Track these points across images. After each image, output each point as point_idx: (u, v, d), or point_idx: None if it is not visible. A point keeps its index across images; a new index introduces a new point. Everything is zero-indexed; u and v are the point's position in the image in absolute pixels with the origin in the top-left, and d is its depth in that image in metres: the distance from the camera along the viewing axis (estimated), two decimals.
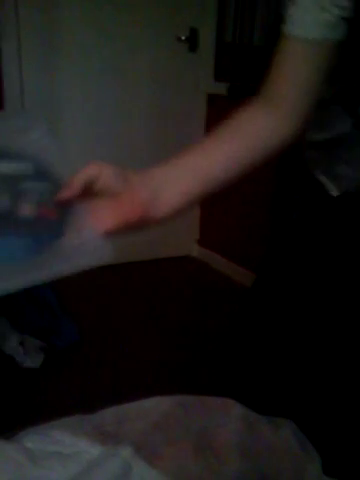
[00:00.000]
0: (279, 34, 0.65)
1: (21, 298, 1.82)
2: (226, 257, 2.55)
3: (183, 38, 2.39)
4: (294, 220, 0.93)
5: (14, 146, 0.57)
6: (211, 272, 2.58)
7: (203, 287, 2.37)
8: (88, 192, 0.56)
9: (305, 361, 0.95)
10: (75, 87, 2.27)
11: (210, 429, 0.90)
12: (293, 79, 0.66)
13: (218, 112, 2.51)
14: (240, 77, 2.34)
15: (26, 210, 0.54)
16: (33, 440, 0.84)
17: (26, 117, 0.63)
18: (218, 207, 2.59)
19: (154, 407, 0.95)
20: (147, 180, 0.61)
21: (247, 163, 0.67)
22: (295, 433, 0.90)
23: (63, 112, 2.28)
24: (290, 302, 0.94)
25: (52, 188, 0.56)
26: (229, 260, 2.52)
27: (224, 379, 1.48)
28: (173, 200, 0.62)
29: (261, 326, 1.00)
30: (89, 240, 0.56)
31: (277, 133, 0.67)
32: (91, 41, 2.24)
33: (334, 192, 0.85)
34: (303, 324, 0.93)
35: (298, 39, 0.63)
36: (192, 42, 2.42)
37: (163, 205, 0.61)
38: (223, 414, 0.97)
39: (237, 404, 0.95)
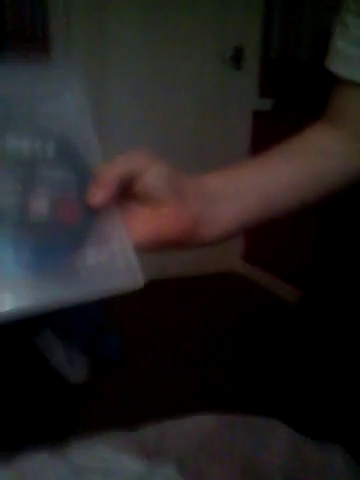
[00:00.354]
0: (326, 49, 0.60)
1: (69, 313, 1.86)
2: (272, 273, 2.51)
3: (228, 57, 2.42)
4: (341, 236, 0.90)
5: (37, 114, 0.40)
6: (256, 288, 2.54)
7: (248, 304, 2.34)
8: (123, 191, 0.42)
9: (358, 383, 0.91)
10: (121, 106, 2.33)
11: (255, 451, 0.87)
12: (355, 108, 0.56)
13: (263, 128, 2.50)
14: (285, 93, 2.32)
15: (39, 208, 0.39)
16: (78, 455, 0.84)
17: (64, 72, 0.45)
18: None
19: (198, 425, 0.93)
20: (202, 190, 0.48)
21: (317, 188, 0.56)
22: (345, 459, 0.86)
23: (108, 130, 2.33)
24: (339, 320, 0.90)
25: (78, 180, 0.41)
26: (275, 276, 2.48)
27: (271, 399, 1.44)
28: (229, 219, 0.50)
29: (310, 345, 0.97)
30: (116, 257, 0.42)
31: (349, 158, 0.57)
32: (138, 61, 2.30)
33: None
34: (354, 343, 0.89)
35: (350, 82, 0.53)
36: (237, 61, 2.44)
37: (216, 224, 0.49)
38: (269, 436, 0.94)
39: (284, 426, 0.92)
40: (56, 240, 0.39)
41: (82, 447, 0.90)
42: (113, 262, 0.41)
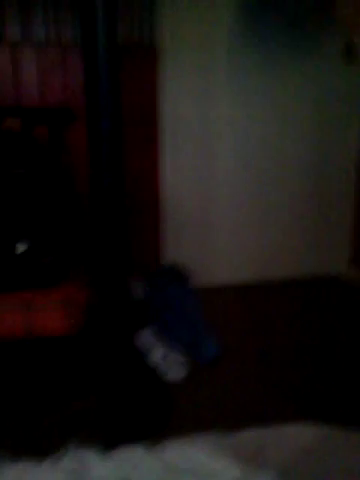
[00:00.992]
0: None
1: (169, 313, 1.90)
2: None
3: (342, 52, 2.32)
4: None
5: None
6: None
7: (354, 311, 2.21)
8: None
9: None
10: (228, 103, 2.32)
11: (356, 468, 0.82)
12: None
13: None
14: None
15: None
16: (172, 454, 0.85)
17: None
18: None
19: (297, 435, 0.90)
20: None
21: None
22: None
23: (215, 129, 2.35)
24: None
25: None
26: None
27: None
28: None
29: None
30: None
31: None
32: (248, 64, 2.29)
33: None
34: None
35: None
36: (350, 55, 2.33)
37: None
38: None
39: None
40: None
41: (177, 447, 0.92)
42: None
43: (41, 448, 1.18)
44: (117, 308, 1.26)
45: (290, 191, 2.50)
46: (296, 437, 0.97)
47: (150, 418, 1.36)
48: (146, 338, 1.77)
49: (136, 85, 2.22)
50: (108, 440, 1.20)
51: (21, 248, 1.44)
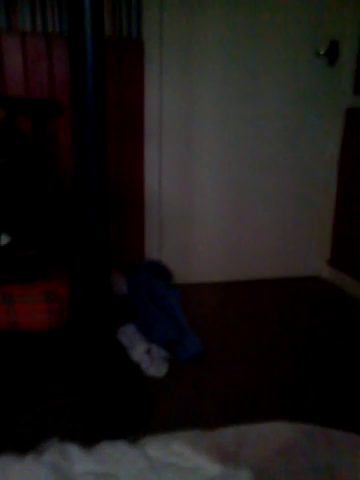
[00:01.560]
0: None
1: (152, 309, 1.90)
2: (358, 279, 2.39)
3: (322, 52, 2.34)
4: None
5: None
6: (342, 295, 2.43)
7: (332, 310, 2.25)
8: None
9: None
10: (212, 102, 2.33)
11: (336, 469, 0.84)
12: None
13: (356, 126, 2.39)
14: None
15: None
16: (154, 448, 0.86)
17: None
18: (352, 225, 2.45)
19: (277, 433, 0.91)
20: None
21: None
22: None
23: (197, 126, 2.35)
24: None
25: None
26: None
27: (353, 411, 1.37)
28: None
29: None
30: None
31: None
32: (229, 57, 2.29)
33: None
34: None
35: None
36: (331, 56, 2.35)
37: None
38: (351, 451, 0.90)
39: None
40: None
41: (159, 442, 0.92)
42: None
43: (23, 443, 1.17)
44: (100, 303, 1.26)
45: (271, 191, 2.52)
46: (276, 434, 0.98)
47: (132, 414, 1.37)
48: (128, 333, 1.77)
49: (122, 79, 2.20)
50: (90, 435, 1.20)
51: (3, 241, 1.42)
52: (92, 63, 1.11)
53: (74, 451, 0.82)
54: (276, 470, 0.88)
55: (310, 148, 2.49)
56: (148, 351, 1.69)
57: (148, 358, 1.65)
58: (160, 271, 2.30)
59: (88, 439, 0.94)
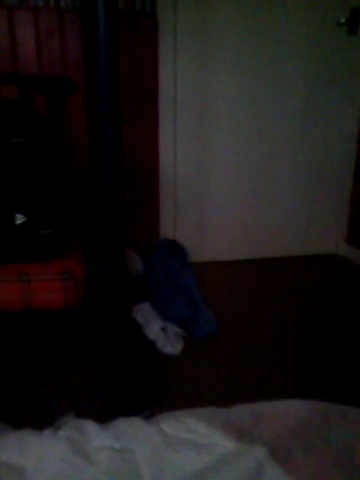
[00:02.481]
0: None
1: (167, 288, 1.90)
2: None
3: (343, 21, 2.26)
4: None
5: None
6: (359, 272, 2.41)
7: (348, 287, 2.23)
8: None
9: None
10: (227, 77, 2.28)
11: (351, 443, 0.83)
12: None
13: None
14: None
15: None
16: (170, 425, 0.86)
17: None
18: None
19: (292, 410, 0.91)
20: None
21: None
22: None
23: (214, 104, 2.31)
24: None
25: None
26: None
27: None
28: None
29: None
30: None
31: None
32: (245, 30, 2.23)
33: None
34: None
35: None
36: (352, 24, 2.27)
37: None
38: None
39: None
40: None
41: (174, 418, 0.93)
42: None
43: (41, 417, 1.20)
44: (115, 281, 1.26)
45: (287, 169, 2.48)
46: (291, 412, 0.98)
47: (147, 391, 1.38)
48: (144, 311, 1.78)
49: (135, 55, 2.17)
50: (107, 411, 1.22)
51: (18, 220, 1.42)
52: (105, 37, 1.09)
53: (90, 427, 0.83)
54: (291, 447, 0.88)
55: (328, 124, 2.44)
56: (163, 329, 1.69)
57: (163, 336, 1.66)
58: (175, 250, 2.29)
59: (104, 415, 0.95)
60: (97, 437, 0.81)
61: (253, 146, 2.41)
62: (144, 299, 1.88)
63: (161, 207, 2.41)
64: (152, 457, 0.80)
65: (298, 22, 2.26)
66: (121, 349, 1.28)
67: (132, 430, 0.85)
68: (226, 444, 0.86)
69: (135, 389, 1.34)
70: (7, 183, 1.41)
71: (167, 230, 2.45)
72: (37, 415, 1.25)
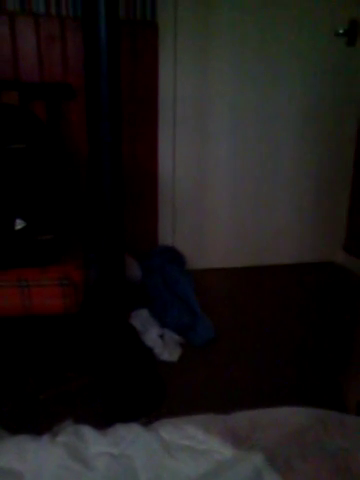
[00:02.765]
0: None
1: (165, 294, 1.90)
2: None
3: (341, 32, 2.28)
4: None
5: None
6: (356, 280, 2.41)
7: (345, 295, 2.23)
8: None
9: None
10: (227, 82, 2.29)
11: (350, 453, 0.83)
12: None
13: None
14: None
15: None
16: (168, 431, 0.86)
17: None
18: None
19: (290, 417, 0.91)
20: None
21: None
22: None
23: (213, 110, 2.33)
24: None
25: None
26: None
27: None
28: None
29: None
30: None
31: None
32: (245, 37, 2.25)
33: None
34: None
35: None
36: (351, 36, 2.29)
37: None
38: None
39: None
40: None
41: (173, 424, 0.93)
42: None
43: (39, 423, 1.19)
44: (114, 288, 1.27)
45: (285, 177, 2.50)
46: (289, 419, 0.98)
47: (145, 397, 1.38)
48: (142, 318, 1.78)
49: (136, 62, 2.18)
50: (104, 417, 1.22)
51: (18, 225, 1.43)
52: (106, 45, 1.10)
53: (89, 432, 0.83)
54: (289, 454, 0.88)
55: (327, 132, 2.45)
56: (161, 336, 1.70)
57: (161, 343, 1.66)
58: (174, 256, 2.30)
59: (102, 421, 0.95)
60: (95, 443, 0.81)
61: (252, 152, 2.42)
62: (142, 305, 1.88)
63: (160, 213, 2.42)
64: (150, 463, 0.80)
65: (298, 29, 2.28)
66: (118, 355, 1.28)
67: (130, 436, 0.85)
68: (224, 451, 0.86)
69: (132, 395, 1.34)
70: (7, 188, 1.42)
71: (166, 236, 2.46)
72: (35, 421, 1.25)
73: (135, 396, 1.35)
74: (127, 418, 1.05)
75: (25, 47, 2.04)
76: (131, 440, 0.83)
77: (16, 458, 0.75)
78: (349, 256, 2.58)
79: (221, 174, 2.43)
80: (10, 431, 0.97)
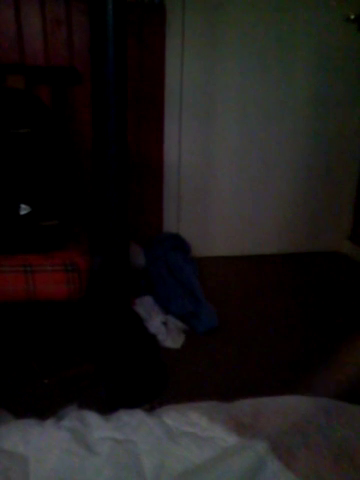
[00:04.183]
0: None
1: (169, 281, 1.90)
2: None
3: (352, 17, 2.24)
4: None
5: None
6: None
7: (350, 285, 2.23)
8: None
9: None
10: (236, 67, 2.27)
11: (352, 441, 0.84)
12: None
13: None
14: None
15: None
16: (172, 418, 0.87)
17: None
18: None
19: (294, 406, 0.91)
20: None
21: None
22: None
23: (220, 98, 2.30)
24: None
25: None
26: None
27: None
28: None
29: None
30: None
31: None
32: (255, 22, 2.21)
33: None
34: None
35: None
36: None
37: None
38: None
39: None
40: None
41: (176, 411, 0.93)
42: None
43: (43, 407, 1.20)
44: (118, 274, 1.26)
45: (292, 165, 2.48)
46: (293, 408, 0.98)
47: (148, 383, 1.39)
48: (146, 305, 1.78)
49: (143, 47, 2.16)
50: (107, 403, 1.23)
51: (23, 210, 1.42)
52: (113, 28, 1.08)
53: (92, 418, 0.84)
54: (292, 442, 0.88)
55: (334, 119, 2.43)
56: (165, 323, 1.70)
57: (165, 329, 1.66)
58: (178, 244, 2.29)
59: (105, 407, 0.96)
60: (99, 428, 0.81)
61: (258, 141, 2.40)
62: (146, 292, 1.88)
63: (165, 201, 2.41)
64: (153, 449, 0.80)
65: (308, 16, 2.24)
66: (122, 341, 1.28)
67: (134, 422, 0.86)
68: (227, 438, 0.86)
69: (135, 381, 1.35)
70: (12, 173, 1.41)
71: (171, 224, 2.45)
72: (39, 405, 1.26)
73: (138, 382, 1.36)
74: (130, 404, 1.06)
75: (31, 30, 2.02)
76: (135, 426, 0.83)
77: (21, 442, 0.76)
78: (354, 245, 2.57)
79: (227, 162, 2.41)
80: (15, 415, 0.98)
